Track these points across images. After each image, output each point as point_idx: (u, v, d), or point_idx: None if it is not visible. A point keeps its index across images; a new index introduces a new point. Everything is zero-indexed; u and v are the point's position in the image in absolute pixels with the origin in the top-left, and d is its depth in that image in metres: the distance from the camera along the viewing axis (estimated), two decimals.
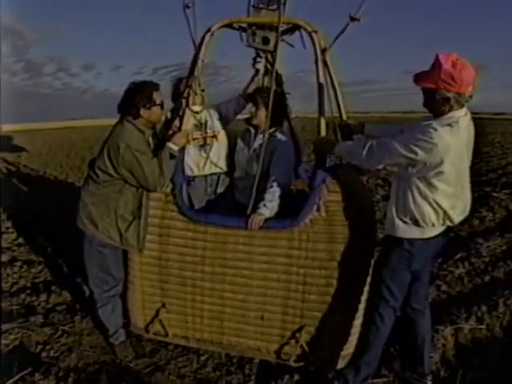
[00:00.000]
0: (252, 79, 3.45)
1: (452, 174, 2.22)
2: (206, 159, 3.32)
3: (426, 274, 2.64)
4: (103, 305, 3.09)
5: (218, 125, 3.39)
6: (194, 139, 3.25)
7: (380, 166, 2.48)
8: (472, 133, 2.30)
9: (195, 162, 3.31)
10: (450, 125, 2.17)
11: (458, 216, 2.35)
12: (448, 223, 2.35)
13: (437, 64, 2.15)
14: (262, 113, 3.04)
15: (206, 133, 3.31)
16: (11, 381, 2.76)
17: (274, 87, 2.80)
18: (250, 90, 3.41)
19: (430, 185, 2.26)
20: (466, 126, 2.23)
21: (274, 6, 2.91)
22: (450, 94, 2.16)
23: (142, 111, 2.81)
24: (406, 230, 2.40)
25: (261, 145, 2.96)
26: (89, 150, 15.34)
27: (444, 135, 2.14)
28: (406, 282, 2.51)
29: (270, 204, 2.80)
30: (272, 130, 3.04)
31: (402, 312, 2.67)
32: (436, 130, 2.15)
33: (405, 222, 2.38)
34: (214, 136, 3.35)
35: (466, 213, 2.42)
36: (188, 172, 3.27)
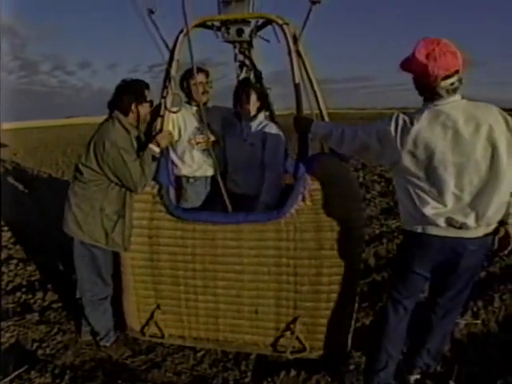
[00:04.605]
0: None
1: (413, 167, 2.12)
2: (211, 162, 3.30)
3: (445, 286, 2.41)
4: (94, 309, 3.10)
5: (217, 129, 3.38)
6: (197, 143, 3.24)
7: (351, 154, 2.50)
8: (470, 129, 2.02)
9: (199, 164, 3.29)
10: (415, 113, 2.13)
11: (438, 218, 2.14)
12: (427, 220, 2.16)
13: (413, 52, 2.09)
14: (249, 102, 3.11)
15: (209, 138, 3.30)
16: (7, 379, 2.76)
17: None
18: None
19: (397, 169, 2.24)
20: (452, 117, 2.05)
21: None
22: (420, 84, 2.14)
23: (134, 106, 2.87)
24: (402, 220, 2.40)
25: (249, 133, 3.12)
26: (85, 148, 15.23)
27: (400, 121, 2.12)
28: (410, 278, 2.41)
29: (267, 187, 2.93)
30: (255, 116, 3.16)
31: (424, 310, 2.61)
32: (394, 116, 2.15)
33: (401, 211, 2.38)
34: (217, 141, 3.34)
35: (468, 222, 2.12)
36: (186, 172, 3.30)
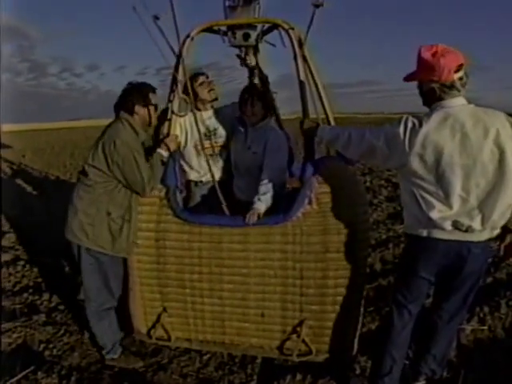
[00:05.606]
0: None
1: (421, 169, 2.12)
2: (219, 167, 3.34)
3: (450, 290, 2.40)
4: (99, 320, 3.00)
5: (225, 133, 3.38)
6: (203, 149, 3.21)
7: (358, 157, 2.51)
8: (478, 133, 2.03)
9: (205, 170, 3.24)
10: (423, 116, 2.13)
11: (444, 221, 2.14)
12: (433, 224, 2.17)
13: (418, 56, 2.12)
14: (254, 110, 3.07)
15: (216, 142, 3.31)
16: (14, 379, 2.79)
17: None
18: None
19: (403, 173, 2.24)
20: (460, 120, 2.06)
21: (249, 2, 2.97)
22: (433, 85, 2.12)
23: (137, 108, 2.85)
24: (406, 224, 2.41)
25: (253, 141, 3.08)
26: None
27: (409, 123, 2.12)
28: (415, 283, 2.40)
29: (264, 197, 2.83)
30: (260, 123, 3.10)
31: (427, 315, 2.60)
32: (403, 119, 2.16)
33: (406, 215, 2.38)
34: (225, 146, 3.35)
35: (474, 225, 2.12)
36: (193, 177, 3.36)
